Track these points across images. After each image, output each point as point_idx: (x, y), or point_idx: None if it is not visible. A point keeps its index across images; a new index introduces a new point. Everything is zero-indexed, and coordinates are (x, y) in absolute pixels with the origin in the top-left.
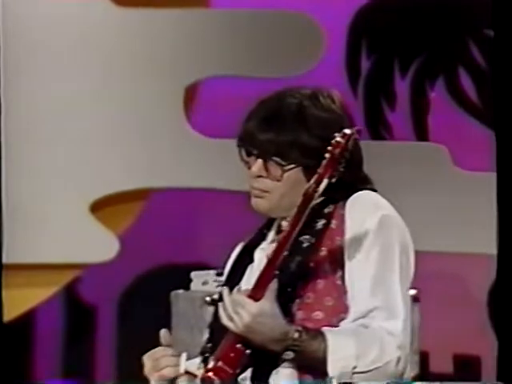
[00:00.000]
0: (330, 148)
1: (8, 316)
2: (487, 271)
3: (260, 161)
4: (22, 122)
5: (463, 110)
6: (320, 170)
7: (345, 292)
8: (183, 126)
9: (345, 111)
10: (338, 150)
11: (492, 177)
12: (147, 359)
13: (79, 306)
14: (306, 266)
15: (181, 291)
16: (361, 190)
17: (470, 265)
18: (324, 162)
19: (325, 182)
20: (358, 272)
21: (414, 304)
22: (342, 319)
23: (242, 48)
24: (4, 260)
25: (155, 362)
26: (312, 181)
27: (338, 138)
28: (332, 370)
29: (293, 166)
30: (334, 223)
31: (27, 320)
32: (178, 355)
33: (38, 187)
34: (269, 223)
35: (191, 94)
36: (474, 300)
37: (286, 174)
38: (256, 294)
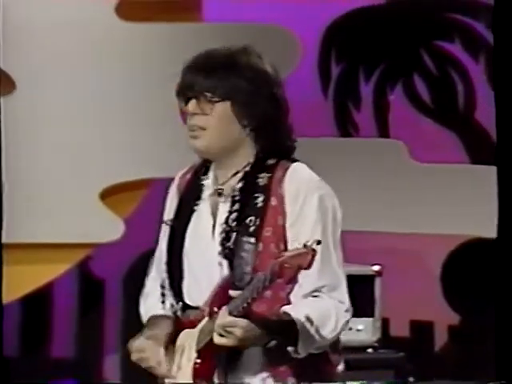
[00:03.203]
0: (294, 254)
1: (27, 289)
2: (441, 249)
3: (194, 100)
4: (33, 122)
5: (418, 110)
6: (284, 263)
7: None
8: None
9: (272, 73)
10: (310, 259)
11: (443, 168)
12: (134, 350)
13: (90, 280)
14: (255, 249)
15: None
16: (287, 158)
17: (426, 243)
18: (294, 257)
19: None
20: None
21: (377, 278)
22: (290, 291)
23: None
24: (25, 239)
25: (141, 354)
26: (286, 262)
27: (314, 247)
28: (301, 349)
29: (219, 99)
30: (273, 200)
31: (46, 292)
32: (160, 345)
33: (57, 179)
34: (203, 170)
35: None
36: (428, 273)
37: (215, 108)
38: (238, 314)
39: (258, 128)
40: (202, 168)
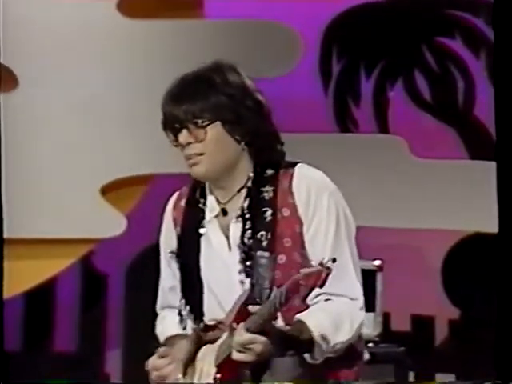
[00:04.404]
0: (305, 275)
1: (29, 284)
2: (441, 244)
3: (184, 130)
4: (37, 119)
5: (418, 106)
6: (308, 282)
7: None
8: None
9: (248, 82)
10: (324, 278)
11: (443, 163)
12: (152, 369)
13: (93, 275)
14: (275, 260)
15: None
16: (285, 166)
17: (427, 239)
18: (310, 275)
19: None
20: (317, 253)
21: (378, 273)
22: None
23: (230, 53)
24: (27, 235)
25: (160, 372)
26: (301, 279)
27: (330, 265)
28: (317, 355)
29: (209, 122)
30: (285, 211)
31: (48, 287)
32: (176, 360)
33: (58, 174)
34: (198, 193)
35: None
36: (429, 268)
37: (208, 132)
38: (255, 330)
39: (251, 140)
40: (196, 191)
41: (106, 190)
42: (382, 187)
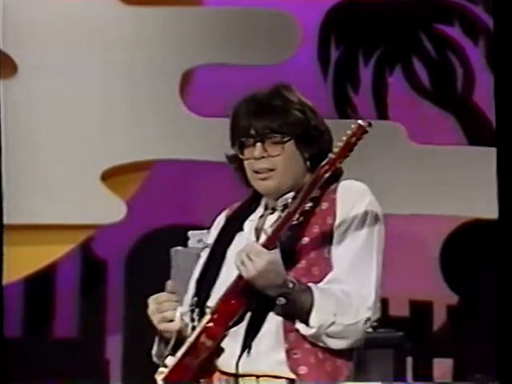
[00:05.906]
0: (344, 137)
1: (28, 270)
2: (440, 230)
3: (259, 144)
4: (41, 111)
5: (417, 93)
6: (333, 156)
7: (330, 264)
8: (180, 106)
9: (305, 100)
10: (353, 139)
11: (441, 149)
12: (152, 302)
13: (92, 261)
14: (298, 240)
15: (179, 248)
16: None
17: (425, 225)
18: (337, 149)
19: (337, 165)
20: (344, 248)
21: None
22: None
23: (229, 40)
24: (27, 221)
25: (159, 305)
26: (324, 162)
27: (354, 128)
28: (313, 321)
29: (289, 138)
30: (324, 205)
31: (48, 273)
32: (179, 301)
33: (59, 160)
34: (256, 198)
35: (186, 80)
36: (427, 254)
37: (285, 147)
38: (269, 244)
39: (316, 158)
40: (254, 198)
41: (106, 176)
42: (380, 173)
